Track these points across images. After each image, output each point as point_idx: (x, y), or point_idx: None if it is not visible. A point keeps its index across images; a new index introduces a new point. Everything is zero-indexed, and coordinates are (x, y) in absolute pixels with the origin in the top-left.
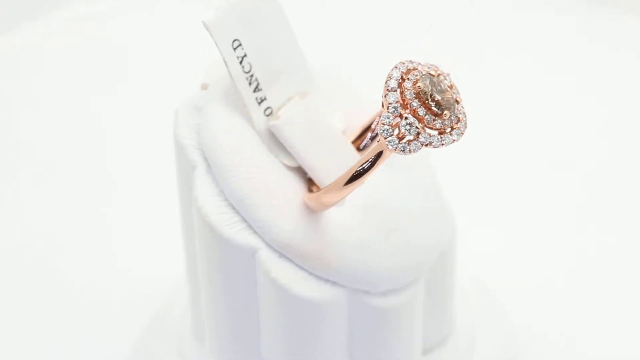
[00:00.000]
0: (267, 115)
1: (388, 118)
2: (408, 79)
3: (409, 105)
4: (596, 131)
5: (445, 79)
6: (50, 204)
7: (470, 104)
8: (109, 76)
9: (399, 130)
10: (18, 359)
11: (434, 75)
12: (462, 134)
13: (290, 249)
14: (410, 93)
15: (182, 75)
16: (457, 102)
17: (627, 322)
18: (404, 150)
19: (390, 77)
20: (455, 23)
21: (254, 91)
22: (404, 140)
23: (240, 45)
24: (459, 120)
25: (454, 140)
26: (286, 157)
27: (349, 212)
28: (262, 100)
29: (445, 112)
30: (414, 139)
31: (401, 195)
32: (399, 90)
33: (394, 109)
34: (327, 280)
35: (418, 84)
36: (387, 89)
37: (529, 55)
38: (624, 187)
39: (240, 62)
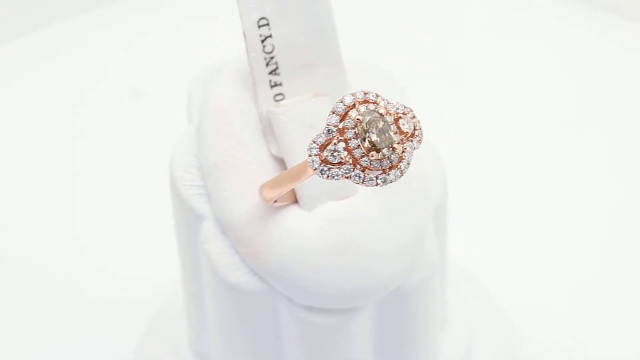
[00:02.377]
0: (277, 101)
1: (320, 137)
2: (357, 109)
3: (344, 134)
4: (598, 131)
5: (401, 123)
6: (49, 204)
7: (470, 103)
8: (107, 79)
9: (325, 152)
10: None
11: (383, 115)
12: (390, 182)
13: (230, 229)
14: (350, 122)
15: (183, 76)
16: (395, 149)
17: (628, 322)
18: (322, 173)
19: (341, 101)
20: (456, 22)
21: (270, 73)
22: (326, 165)
23: (267, 25)
24: (392, 167)
25: (377, 183)
26: (274, 146)
27: (310, 220)
28: (275, 85)
29: (373, 152)
30: (335, 167)
31: (377, 222)
32: (342, 115)
33: (328, 131)
34: (257, 273)
35: (361, 117)
36: (333, 111)
37: (528, 55)
38: (625, 188)
39: (262, 41)
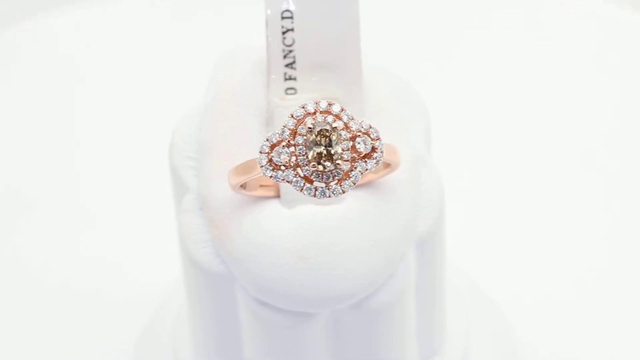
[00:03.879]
0: (288, 94)
1: (274, 137)
2: (315, 118)
3: (294, 139)
4: (602, 132)
5: (357, 142)
6: (48, 203)
7: (470, 103)
8: (106, 78)
9: (273, 152)
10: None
11: (337, 129)
12: (328, 196)
13: (206, 208)
14: (303, 129)
15: (183, 77)
16: (338, 165)
17: (628, 326)
18: (266, 172)
19: (303, 107)
20: (458, 21)
21: (286, 65)
22: (271, 164)
23: (291, 18)
24: (338, 182)
25: (315, 195)
26: None
27: (284, 218)
28: (289, 79)
29: (315, 164)
30: (277, 169)
31: (350, 236)
32: (299, 120)
33: (282, 132)
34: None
35: (313, 126)
36: (292, 114)
37: (528, 54)
38: (625, 187)
39: (284, 33)
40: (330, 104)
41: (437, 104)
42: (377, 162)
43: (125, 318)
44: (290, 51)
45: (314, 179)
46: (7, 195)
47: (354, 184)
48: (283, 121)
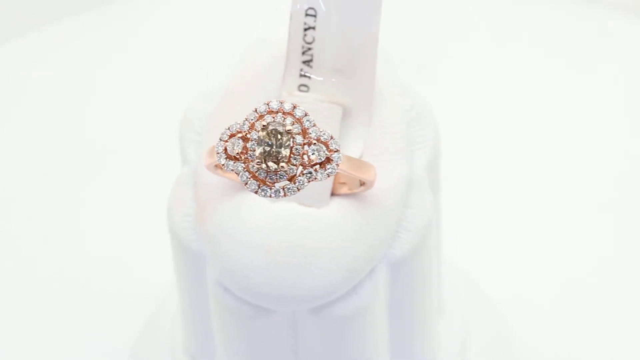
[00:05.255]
0: (300, 91)
1: (234, 126)
2: (275, 117)
3: (250, 133)
4: (602, 132)
5: (310, 149)
6: (47, 203)
7: (469, 103)
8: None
9: (229, 142)
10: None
11: (291, 132)
12: (269, 197)
13: (195, 182)
14: (260, 125)
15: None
16: (281, 168)
17: (627, 326)
18: (219, 158)
19: (267, 103)
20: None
21: (303, 62)
22: (225, 153)
23: (314, 16)
24: (288, 182)
25: (256, 192)
26: None
27: (263, 212)
28: (304, 76)
29: (259, 160)
30: (230, 159)
31: (324, 242)
32: (260, 116)
33: (243, 124)
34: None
35: (268, 124)
36: (256, 109)
37: (527, 55)
38: (624, 186)
39: (305, 30)
40: (295, 107)
41: (437, 104)
42: (328, 174)
43: (124, 317)
44: (310, 49)
45: (259, 176)
46: (7, 192)
47: (298, 189)
48: (247, 114)
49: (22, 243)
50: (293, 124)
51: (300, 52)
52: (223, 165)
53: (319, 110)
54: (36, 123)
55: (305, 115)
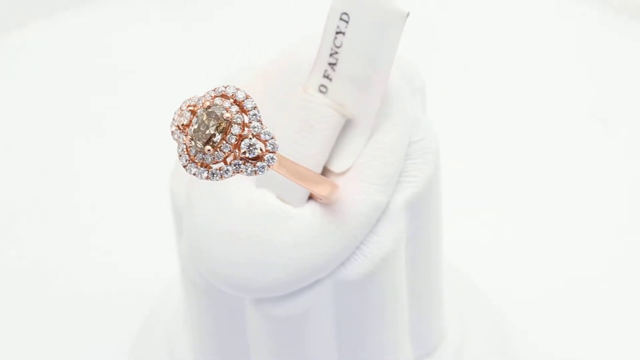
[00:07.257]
0: (320, 91)
1: (192, 99)
2: (223, 101)
3: (197, 112)
4: (601, 132)
5: (243, 143)
6: (46, 203)
7: (468, 103)
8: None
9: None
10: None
11: (230, 121)
12: (194, 175)
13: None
14: (206, 104)
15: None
16: (206, 151)
17: (626, 326)
18: (171, 125)
19: (225, 86)
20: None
21: (329, 64)
22: (175, 122)
23: (347, 22)
24: (201, 160)
25: (183, 162)
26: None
27: (243, 198)
28: (326, 77)
29: (191, 137)
30: (177, 128)
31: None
32: (214, 97)
33: (198, 99)
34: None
35: (212, 107)
36: (214, 88)
37: (527, 55)
38: (624, 186)
39: (336, 33)
40: (247, 97)
41: (436, 104)
42: (256, 172)
43: (123, 315)
44: (337, 52)
45: (190, 153)
46: (7, 194)
47: (222, 177)
48: (209, 90)
49: (22, 243)
50: (237, 113)
51: (328, 54)
52: (173, 132)
53: (321, 114)
54: (35, 123)
55: (254, 108)
